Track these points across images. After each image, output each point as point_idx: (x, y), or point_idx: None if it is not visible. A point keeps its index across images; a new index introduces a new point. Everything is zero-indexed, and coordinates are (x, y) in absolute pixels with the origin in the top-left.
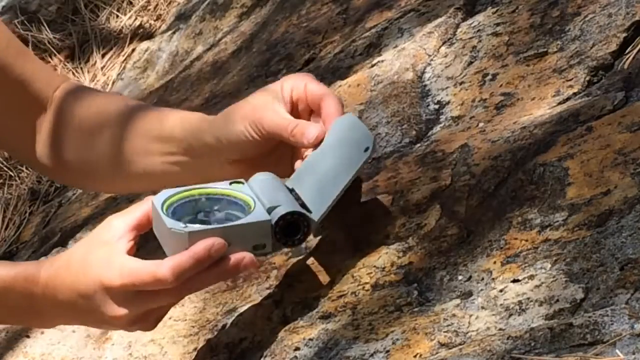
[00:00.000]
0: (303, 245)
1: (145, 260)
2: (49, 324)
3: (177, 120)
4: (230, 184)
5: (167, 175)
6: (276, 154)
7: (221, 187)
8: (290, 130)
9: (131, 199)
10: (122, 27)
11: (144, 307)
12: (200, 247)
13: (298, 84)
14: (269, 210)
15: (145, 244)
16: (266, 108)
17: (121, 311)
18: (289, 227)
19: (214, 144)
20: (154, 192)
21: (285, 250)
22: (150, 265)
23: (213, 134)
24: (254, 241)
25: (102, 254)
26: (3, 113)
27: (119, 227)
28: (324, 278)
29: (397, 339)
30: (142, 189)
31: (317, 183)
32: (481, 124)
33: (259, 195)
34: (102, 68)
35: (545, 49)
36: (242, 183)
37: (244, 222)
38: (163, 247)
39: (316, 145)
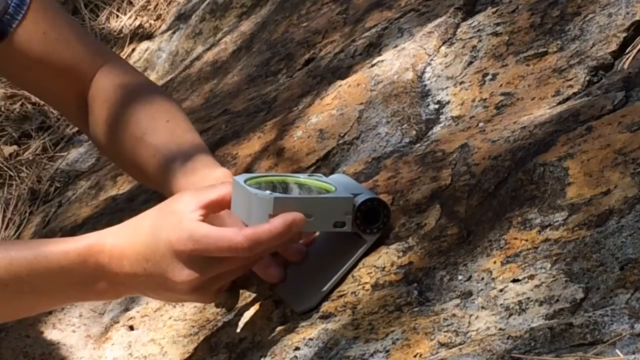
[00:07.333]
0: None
1: (220, 227)
2: (111, 294)
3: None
4: (309, 175)
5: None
6: None
7: (300, 177)
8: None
9: (131, 199)
10: (122, 27)
11: (211, 272)
12: (280, 221)
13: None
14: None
15: None
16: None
17: (189, 275)
18: (369, 214)
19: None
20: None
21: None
22: (227, 232)
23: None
24: (335, 218)
25: (173, 220)
26: (54, 99)
27: (191, 201)
28: None
29: (397, 339)
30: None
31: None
32: (481, 124)
33: (338, 186)
34: None
35: (545, 49)
36: (321, 175)
37: (330, 196)
38: (246, 223)
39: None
